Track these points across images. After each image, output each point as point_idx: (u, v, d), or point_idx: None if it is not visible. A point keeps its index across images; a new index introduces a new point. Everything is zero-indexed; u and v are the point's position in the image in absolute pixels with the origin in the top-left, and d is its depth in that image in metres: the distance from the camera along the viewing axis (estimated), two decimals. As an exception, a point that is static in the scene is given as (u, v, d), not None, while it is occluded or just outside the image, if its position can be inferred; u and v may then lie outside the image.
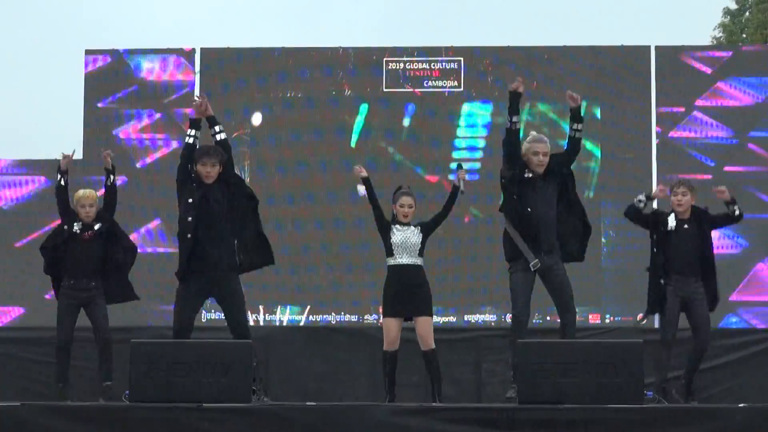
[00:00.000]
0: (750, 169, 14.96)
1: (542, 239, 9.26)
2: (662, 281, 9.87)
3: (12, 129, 38.41)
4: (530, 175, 9.39)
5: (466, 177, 9.97)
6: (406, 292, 9.57)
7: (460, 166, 10.10)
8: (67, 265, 10.19)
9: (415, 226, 9.78)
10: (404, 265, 9.63)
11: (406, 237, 9.66)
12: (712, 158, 14.96)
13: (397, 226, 9.73)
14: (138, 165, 15.35)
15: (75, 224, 10.23)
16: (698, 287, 9.85)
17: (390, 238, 9.69)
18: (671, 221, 9.92)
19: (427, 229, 9.77)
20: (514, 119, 9.39)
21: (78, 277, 10.15)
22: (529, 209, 9.30)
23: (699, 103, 15.10)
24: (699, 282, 9.86)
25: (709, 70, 15.14)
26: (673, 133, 15.11)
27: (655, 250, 9.99)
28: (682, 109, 15.10)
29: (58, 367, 10.16)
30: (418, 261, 9.69)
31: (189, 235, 9.01)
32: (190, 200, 9.08)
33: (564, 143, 14.89)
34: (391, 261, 9.69)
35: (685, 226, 9.89)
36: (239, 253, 9.33)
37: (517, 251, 9.33)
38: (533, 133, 9.70)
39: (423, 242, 9.73)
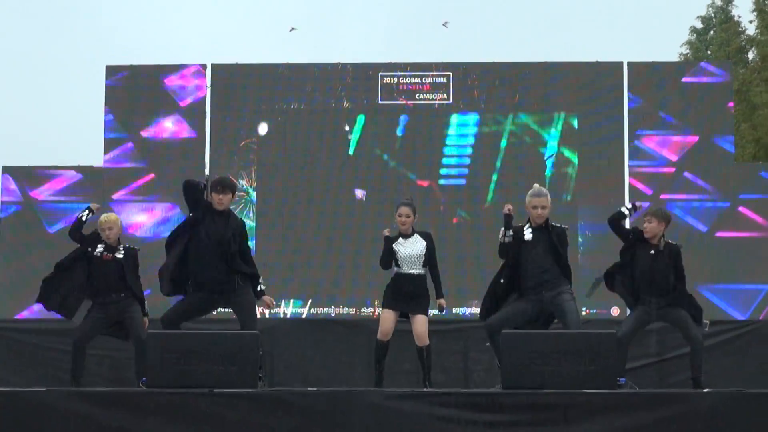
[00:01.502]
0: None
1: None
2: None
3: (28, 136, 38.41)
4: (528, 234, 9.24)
5: None
6: (407, 294, 9.55)
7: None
8: (94, 283, 10.03)
9: (420, 237, 9.71)
10: (408, 274, 9.59)
11: (409, 250, 9.60)
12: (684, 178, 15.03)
13: (401, 239, 9.68)
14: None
15: (99, 246, 10.11)
16: (664, 305, 9.53)
17: (396, 254, 9.64)
18: (647, 248, 9.61)
19: (430, 247, 9.67)
20: (508, 233, 9.18)
21: (106, 293, 10.00)
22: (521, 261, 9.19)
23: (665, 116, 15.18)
24: (664, 301, 9.54)
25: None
26: (644, 140, 15.14)
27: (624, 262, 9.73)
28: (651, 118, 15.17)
29: (73, 364, 9.96)
30: (422, 271, 9.63)
31: None
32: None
33: (544, 151, 15.08)
34: (397, 269, 9.66)
35: (651, 252, 9.57)
36: None
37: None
38: (535, 186, 9.50)
39: (426, 254, 9.65)
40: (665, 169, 15.10)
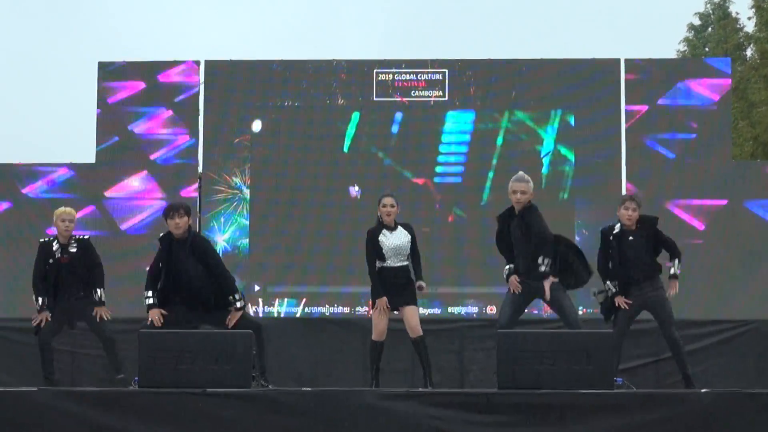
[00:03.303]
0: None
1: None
2: (608, 284, 9.69)
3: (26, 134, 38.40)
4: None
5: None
6: (395, 289, 9.53)
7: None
8: (55, 286, 9.95)
9: (403, 228, 9.68)
10: (393, 268, 9.57)
11: (393, 241, 9.58)
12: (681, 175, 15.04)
13: (384, 231, 9.64)
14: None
15: (54, 248, 10.00)
16: (650, 290, 9.49)
17: (381, 247, 9.61)
18: (616, 228, 9.59)
19: (413, 238, 9.66)
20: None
21: (67, 297, 9.94)
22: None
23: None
24: (650, 284, 9.49)
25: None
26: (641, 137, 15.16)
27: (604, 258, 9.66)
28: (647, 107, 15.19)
29: (42, 364, 9.88)
30: (406, 263, 9.63)
31: None
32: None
33: (540, 149, 15.08)
34: (382, 263, 9.62)
35: (630, 237, 9.49)
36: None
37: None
38: (519, 172, 9.48)
39: (410, 246, 9.64)
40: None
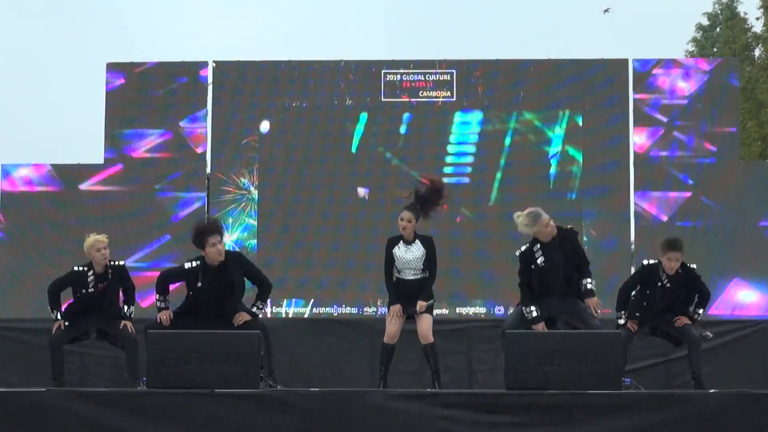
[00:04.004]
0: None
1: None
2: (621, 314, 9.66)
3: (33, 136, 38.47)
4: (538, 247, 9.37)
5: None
6: (408, 300, 9.49)
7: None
8: (82, 312, 9.88)
9: (421, 242, 9.59)
10: (408, 280, 9.53)
11: (408, 256, 9.51)
12: (689, 176, 15.01)
13: (400, 244, 9.58)
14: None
15: (89, 278, 9.80)
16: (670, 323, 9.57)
17: (395, 260, 9.58)
18: (663, 276, 9.47)
19: (430, 253, 9.58)
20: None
21: (92, 318, 9.89)
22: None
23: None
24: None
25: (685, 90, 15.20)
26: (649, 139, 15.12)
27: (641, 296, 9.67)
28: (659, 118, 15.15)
29: (52, 365, 9.74)
30: (419, 276, 9.54)
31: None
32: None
33: (548, 149, 15.06)
34: (397, 275, 9.59)
35: (668, 284, 9.44)
36: None
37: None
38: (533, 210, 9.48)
39: (425, 260, 9.55)
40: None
